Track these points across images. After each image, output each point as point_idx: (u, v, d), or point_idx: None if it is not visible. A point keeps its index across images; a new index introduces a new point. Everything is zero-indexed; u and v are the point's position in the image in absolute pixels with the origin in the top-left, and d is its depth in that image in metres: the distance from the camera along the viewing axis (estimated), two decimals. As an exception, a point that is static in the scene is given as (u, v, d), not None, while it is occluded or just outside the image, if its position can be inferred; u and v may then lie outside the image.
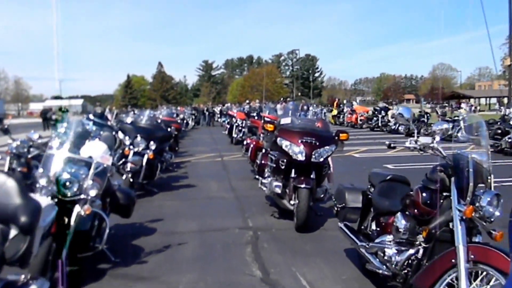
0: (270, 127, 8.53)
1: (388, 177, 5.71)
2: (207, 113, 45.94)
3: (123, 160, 10.96)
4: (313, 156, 7.88)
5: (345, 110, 37.19)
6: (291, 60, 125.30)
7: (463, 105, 36.09)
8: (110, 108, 51.99)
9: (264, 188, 9.02)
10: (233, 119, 24.71)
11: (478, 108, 65.58)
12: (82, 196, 5.34)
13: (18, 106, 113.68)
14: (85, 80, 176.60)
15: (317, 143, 7.95)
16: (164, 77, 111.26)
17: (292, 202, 8.00)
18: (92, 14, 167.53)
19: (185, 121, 36.58)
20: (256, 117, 14.40)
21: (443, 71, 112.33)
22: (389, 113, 30.14)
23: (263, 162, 9.68)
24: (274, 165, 8.25)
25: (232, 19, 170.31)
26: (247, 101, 41.22)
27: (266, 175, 9.34)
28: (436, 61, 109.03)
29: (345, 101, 44.26)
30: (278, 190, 8.24)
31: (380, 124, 30.53)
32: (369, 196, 5.85)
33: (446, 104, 64.83)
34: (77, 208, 5.27)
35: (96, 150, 6.54)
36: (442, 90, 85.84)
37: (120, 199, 7.10)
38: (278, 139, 8.15)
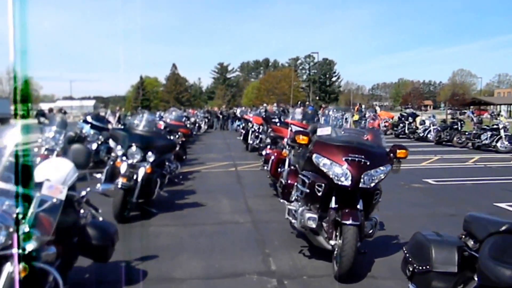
0: (303, 139, 6.29)
1: (505, 228, 3.52)
2: (221, 116, 43.67)
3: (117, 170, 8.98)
4: (362, 180, 5.70)
5: (367, 116, 34.87)
6: (308, 64, 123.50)
7: (502, 112, 33.53)
8: (119, 109, 50.15)
9: (292, 219, 6.83)
10: (249, 123, 22.52)
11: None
12: (14, 251, 3.38)
13: (28, 107, 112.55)
14: (99, 81, 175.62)
15: (368, 163, 5.78)
16: (178, 79, 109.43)
17: (332, 242, 5.83)
18: (108, 15, 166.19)
19: (197, 125, 34.50)
20: (278, 124, 12.15)
21: (463, 77, 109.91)
22: (418, 119, 27.86)
23: (289, 181, 7.52)
24: (308, 190, 6.07)
25: (249, 22, 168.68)
26: (264, 105, 39.03)
27: (293, 198, 7.20)
28: (456, 67, 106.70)
29: (363, 106, 41.82)
30: (313, 225, 6.05)
31: (407, 131, 28.21)
32: (470, 256, 3.66)
33: (466, 111, 62.43)
34: (7, 268, 3.50)
35: (56, 172, 4.56)
36: (463, 96, 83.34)
37: (92, 238, 4.99)
38: (315, 156, 5.97)
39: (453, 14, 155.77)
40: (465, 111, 63.31)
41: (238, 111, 43.79)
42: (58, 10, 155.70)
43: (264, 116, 21.42)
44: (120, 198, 8.57)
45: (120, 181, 8.61)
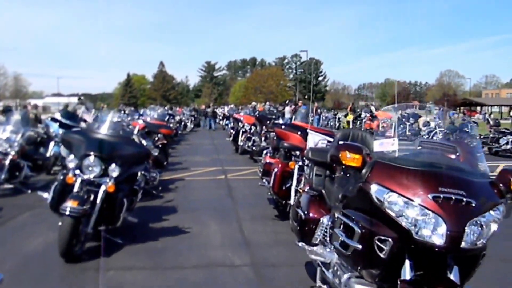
0: (354, 159, 3.61)
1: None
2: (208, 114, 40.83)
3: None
4: (466, 234, 3.15)
5: (362, 116, 32.38)
6: (295, 63, 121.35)
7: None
8: (103, 106, 47.25)
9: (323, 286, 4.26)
10: (239, 123, 19.88)
11: (492, 116, 61.14)
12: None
13: (16, 102, 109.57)
14: (87, 78, 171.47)
15: (472, 203, 3.19)
16: (165, 76, 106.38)
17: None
18: (97, 13, 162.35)
19: (183, 123, 31.80)
20: (283, 127, 9.36)
21: (451, 78, 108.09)
22: (421, 120, 25.32)
23: (311, 215, 4.96)
24: (359, 246, 3.49)
25: (236, 22, 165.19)
26: (253, 103, 36.35)
27: (317, 240, 4.70)
28: (442, 68, 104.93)
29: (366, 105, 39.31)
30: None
31: (408, 133, 25.69)
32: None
33: (455, 111, 60.57)
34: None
35: None
36: (454, 97, 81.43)
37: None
38: (375, 188, 3.36)
39: (439, 15, 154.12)
40: (454, 112, 61.54)
41: (225, 109, 41.09)
42: (46, 8, 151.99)
43: (257, 115, 18.78)
44: (68, 229, 5.99)
45: (69, 205, 6.02)
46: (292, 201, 7.76)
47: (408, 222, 3.21)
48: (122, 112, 27.35)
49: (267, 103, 38.74)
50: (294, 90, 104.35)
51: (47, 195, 6.81)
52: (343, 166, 3.73)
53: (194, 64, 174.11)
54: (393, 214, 3.26)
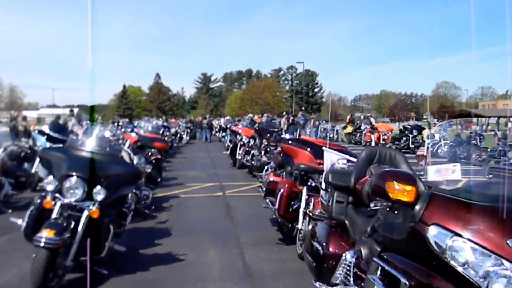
0: (406, 192, 2.70)
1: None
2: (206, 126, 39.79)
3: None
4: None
5: (362, 128, 31.48)
6: (291, 74, 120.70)
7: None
8: (98, 118, 46.45)
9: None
10: (237, 136, 19.02)
11: (489, 127, 60.35)
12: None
13: (11, 114, 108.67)
14: (83, 90, 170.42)
15: None
16: (161, 88, 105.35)
17: None
18: (93, 25, 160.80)
19: (178, 136, 30.91)
20: (290, 142, 8.36)
21: (447, 89, 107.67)
22: (424, 133, 24.52)
23: (330, 250, 4.12)
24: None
25: (232, 34, 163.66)
26: (250, 115, 35.43)
27: (338, 280, 3.86)
28: (440, 79, 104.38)
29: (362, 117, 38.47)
30: None
31: (411, 146, 24.84)
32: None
33: (453, 122, 59.71)
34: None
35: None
36: (451, 108, 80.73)
37: None
38: (434, 232, 2.52)
39: (432, 27, 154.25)
40: (451, 122, 60.53)
41: (222, 121, 40.20)
42: (43, 20, 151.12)
43: (257, 128, 17.90)
44: (42, 263, 5.15)
45: (44, 236, 5.17)
46: (300, 225, 6.93)
47: (477, 275, 2.38)
48: (116, 124, 26.55)
49: (265, 114, 37.76)
50: (290, 101, 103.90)
51: (21, 222, 5.96)
52: (391, 202, 2.86)
53: (190, 75, 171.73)
54: (457, 265, 2.43)
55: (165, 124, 29.04)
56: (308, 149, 7.24)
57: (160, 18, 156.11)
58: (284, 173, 8.50)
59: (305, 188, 7.09)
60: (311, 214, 6.68)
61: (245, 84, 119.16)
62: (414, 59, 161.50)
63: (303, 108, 57.55)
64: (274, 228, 8.55)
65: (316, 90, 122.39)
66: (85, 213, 5.69)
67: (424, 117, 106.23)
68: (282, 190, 7.35)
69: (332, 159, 5.51)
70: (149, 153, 11.42)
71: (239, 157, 17.59)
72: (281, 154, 8.65)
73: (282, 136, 12.10)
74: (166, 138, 20.24)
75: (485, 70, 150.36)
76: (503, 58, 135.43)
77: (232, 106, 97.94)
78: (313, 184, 7.17)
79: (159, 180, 11.31)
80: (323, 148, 6.24)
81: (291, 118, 32.10)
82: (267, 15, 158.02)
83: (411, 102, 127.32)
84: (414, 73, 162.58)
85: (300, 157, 7.32)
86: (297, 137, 9.65)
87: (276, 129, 16.80)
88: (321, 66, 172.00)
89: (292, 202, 7.35)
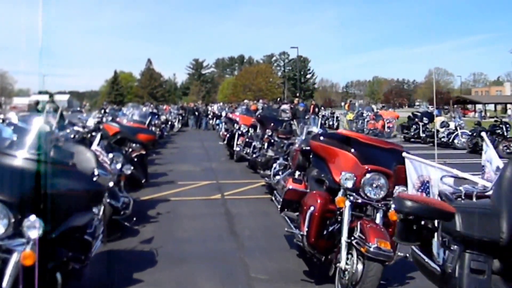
0: None
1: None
2: (197, 113, 37.18)
3: None
4: None
5: (364, 115, 29.05)
6: (283, 61, 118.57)
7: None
8: (85, 105, 43.86)
9: None
10: (234, 125, 16.63)
11: (488, 114, 58.34)
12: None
13: (1, 101, 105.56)
14: (76, 76, 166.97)
15: None
16: (152, 74, 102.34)
17: None
18: (85, 12, 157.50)
19: (169, 123, 28.42)
20: (323, 138, 5.84)
21: (439, 76, 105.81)
22: (437, 120, 22.30)
23: None
24: None
25: (224, 20, 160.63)
26: (245, 101, 32.97)
27: None
28: (429, 66, 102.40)
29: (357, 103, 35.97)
30: None
31: (422, 135, 22.55)
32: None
33: (447, 108, 58.07)
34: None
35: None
36: (447, 95, 78.68)
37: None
38: None
39: (423, 14, 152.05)
40: (447, 107, 58.67)
41: (215, 108, 37.77)
42: (33, 6, 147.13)
43: (259, 116, 15.44)
44: None
45: None
46: (343, 264, 4.63)
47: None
48: (103, 111, 24.08)
49: (260, 100, 35.22)
50: (283, 87, 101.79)
51: None
52: None
53: (182, 61, 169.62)
54: None
55: (154, 111, 26.53)
56: (352, 149, 4.91)
57: (151, 4, 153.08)
58: (306, 178, 6.19)
59: (347, 205, 4.81)
60: (363, 250, 4.40)
61: (237, 70, 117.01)
62: (405, 46, 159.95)
63: (298, 94, 54.98)
64: (294, 252, 6.29)
65: (308, 76, 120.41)
66: (14, 257, 3.41)
67: (416, 103, 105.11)
68: (312, 208, 5.03)
69: (427, 174, 3.19)
70: (129, 150, 9.07)
71: (237, 149, 15.25)
72: (302, 153, 6.30)
73: (293, 126, 9.79)
74: (153, 129, 17.79)
75: (476, 57, 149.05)
76: (495, 45, 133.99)
77: (224, 92, 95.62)
78: (359, 200, 4.88)
79: (143, 181, 8.92)
80: (404, 154, 3.95)
81: (289, 104, 29.78)
82: (259, 2, 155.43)
83: (403, 89, 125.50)
84: (405, 60, 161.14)
85: (340, 162, 4.97)
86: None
87: (285, 118, 14.45)
88: (313, 52, 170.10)
89: (328, 222, 5.08)
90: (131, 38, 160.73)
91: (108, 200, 6.75)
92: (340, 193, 4.89)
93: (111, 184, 6.49)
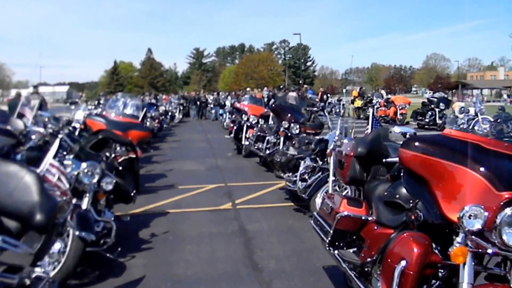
0: None
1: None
2: (198, 102, 34.69)
3: None
4: None
5: (374, 101, 26.76)
6: (283, 48, 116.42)
7: None
8: (81, 96, 41.46)
9: None
10: (242, 116, 14.37)
11: (485, 98, 56.21)
12: None
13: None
14: (75, 67, 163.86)
15: None
16: (153, 63, 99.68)
17: None
18: (85, 2, 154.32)
19: (169, 114, 26.11)
20: (428, 147, 3.59)
21: (437, 61, 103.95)
22: (455, 106, 20.04)
23: None
24: None
25: (224, 9, 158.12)
26: (248, 89, 30.68)
27: None
28: (426, 52, 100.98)
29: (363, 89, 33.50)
30: None
31: (439, 121, 20.26)
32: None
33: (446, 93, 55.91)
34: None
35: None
36: (447, 80, 76.45)
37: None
38: None
39: (419, 1, 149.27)
40: (444, 93, 56.38)
41: (211, 98, 35.50)
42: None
43: (273, 106, 13.11)
44: None
45: None
46: None
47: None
48: (97, 102, 21.76)
49: (265, 88, 32.73)
50: (283, 75, 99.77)
51: None
52: None
53: (183, 51, 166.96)
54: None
55: (152, 101, 24.23)
56: (482, 168, 2.67)
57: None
58: (362, 195, 4.02)
59: (469, 260, 2.65)
60: None
61: (238, 59, 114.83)
62: (402, 33, 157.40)
63: (300, 82, 52.67)
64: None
65: (308, 64, 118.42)
66: None
67: (413, 89, 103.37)
68: (404, 263, 2.84)
69: None
70: (112, 156, 6.82)
71: (247, 143, 13.08)
72: (358, 160, 4.10)
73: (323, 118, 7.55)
74: (149, 123, 15.58)
75: (472, 42, 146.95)
76: (489, 30, 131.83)
77: (225, 81, 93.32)
78: (489, 251, 2.69)
79: (133, 193, 6.69)
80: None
81: (297, 91, 27.49)
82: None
83: (400, 75, 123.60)
84: (403, 46, 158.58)
85: (456, 185, 2.72)
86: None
87: (314, 108, 12.24)
88: (313, 40, 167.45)
89: (425, 285, 2.92)
90: (131, 28, 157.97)
91: (77, 233, 4.61)
92: (458, 239, 2.71)
93: (109, 186, 4.56)
